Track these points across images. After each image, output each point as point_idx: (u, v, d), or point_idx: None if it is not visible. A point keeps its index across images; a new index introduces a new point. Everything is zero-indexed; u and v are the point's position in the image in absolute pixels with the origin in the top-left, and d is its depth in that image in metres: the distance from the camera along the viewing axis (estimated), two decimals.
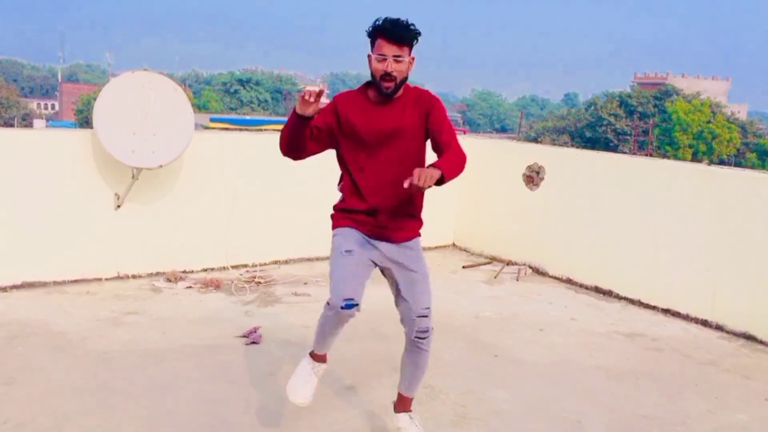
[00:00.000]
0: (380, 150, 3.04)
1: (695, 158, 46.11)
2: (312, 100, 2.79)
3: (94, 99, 5.70)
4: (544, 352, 4.85)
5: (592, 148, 38.21)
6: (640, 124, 51.12)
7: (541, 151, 7.32)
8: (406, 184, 2.66)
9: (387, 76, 2.88)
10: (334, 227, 3.20)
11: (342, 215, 3.17)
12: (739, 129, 51.57)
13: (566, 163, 6.84)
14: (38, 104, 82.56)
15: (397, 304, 3.23)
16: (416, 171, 2.65)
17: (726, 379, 4.59)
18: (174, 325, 4.92)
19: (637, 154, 37.68)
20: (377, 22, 2.89)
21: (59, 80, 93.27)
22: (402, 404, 3.38)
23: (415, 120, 3.04)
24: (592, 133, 52.75)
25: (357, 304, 2.92)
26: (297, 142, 3.00)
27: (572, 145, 46.03)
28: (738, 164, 45.05)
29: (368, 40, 2.97)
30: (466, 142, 7.95)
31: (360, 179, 3.09)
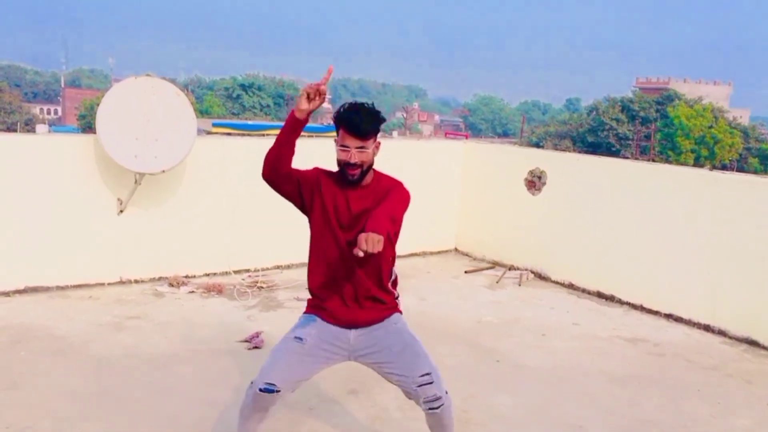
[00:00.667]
0: (344, 234, 2.90)
1: (697, 163, 46.07)
2: (313, 95, 2.77)
3: (97, 104, 5.72)
4: (546, 357, 4.84)
5: (594, 153, 38.24)
6: (642, 129, 51.09)
7: (543, 156, 7.32)
8: (356, 252, 2.46)
9: (351, 165, 2.83)
10: (306, 310, 3.09)
11: (309, 302, 3.07)
12: (741, 134, 51.52)
13: (568, 168, 6.84)
14: (41, 109, 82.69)
15: (397, 384, 2.97)
16: (361, 236, 2.46)
17: (728, 383, 4.59)
18: (176, 330, 4.93)
19: (639, 159, 37.64)
20: (341, 110, 2.83)
21: (62, 85, 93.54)
22: None
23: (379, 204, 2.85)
24: (594, 137, 52.72)
25: (278, 391, 2.82)
26: (283, 153, 2.89)
27: (574, 150, 46.05)
28: (740, 169, 45.04)
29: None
30: (467, 147, 7.99)
31: (322, 260, 2.97)
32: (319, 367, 2.97)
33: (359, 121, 2.81)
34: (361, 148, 2.82)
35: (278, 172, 2.92)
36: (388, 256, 2.95)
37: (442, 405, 2.90)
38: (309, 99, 2.78)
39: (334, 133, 2.91)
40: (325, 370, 3.03)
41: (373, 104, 2.90)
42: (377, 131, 2.88)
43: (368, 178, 2.94)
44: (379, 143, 2.91)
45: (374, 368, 3.01)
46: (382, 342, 2.95)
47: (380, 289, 2.98)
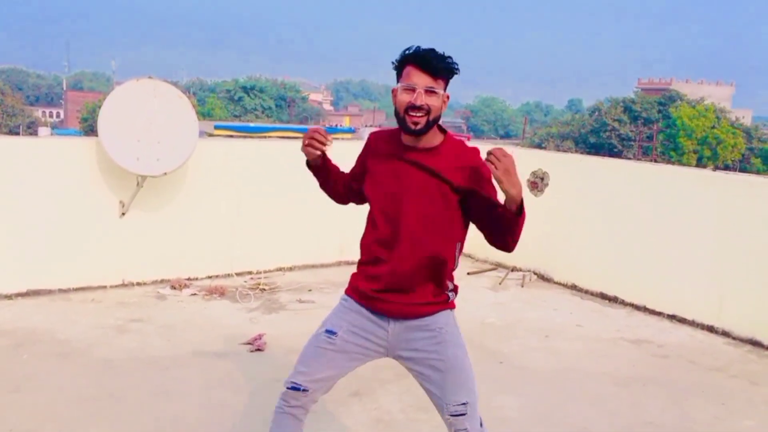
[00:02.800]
0: (403, 202, 2.47)
1: (700, 164, 46.04)
2: (315, 145, 2.50)
3: (99, 107, 5.72)
4: (549, 359, 4.83)
5: (597, 153, 38.24)
6: (645, 129, 51.06)
7: (546, 157, 7.32)
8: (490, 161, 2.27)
9: (415, 108, 2.37)
10: (345, 292, 2.69)
11: (354, 275, 2.66)
12: (743, 134, 51.46)
13: (571, 168, 6.82)
14: (43, 112, 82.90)
15: (432, 401, 2.62)
16: (499, 154, 2.26)
17: (733, 385, 4.57)
18: (179, 333, 4.92)
19: (641, 160, 37.64)
20: (407, 51, 2.42)
21: (64, 88, 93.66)
22: None
23: (455, 178, 2.46)
24: (596, 138, 52.67)
25: (305, 390, 2.56)
26: (329, 187, 2.71)
27: (576, 151, 46.02)
28: (743, 169, 44.95)
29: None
30: None
31: (373, 231, 2.56)
32: (354, 364, 2.62)
33: (434, 56, 2.38)
34: (431, 89, 2.38)
35: (346, 197, 2.76)
36: (456, 241, 2.58)
37: None
38: (313, 147, 2.51)
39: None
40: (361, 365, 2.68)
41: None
42: (450, 76, 2.43)
43: (435, 137, 2.48)
44: (448, 96, 2.46)
45: (416, 378, 2.63)
46: (424, 352, 2.54)
47: (436, 285, 2.58)
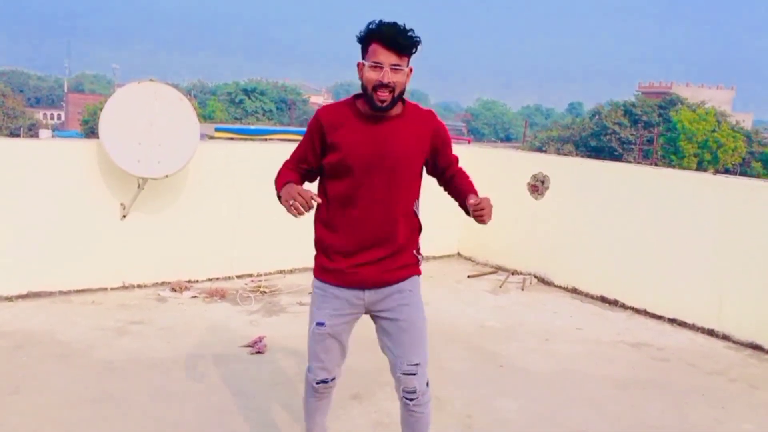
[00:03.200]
0: (369, 177, 2.60)
1: (700, 167, 46.01)
2: (299, 210, 2.49)
3: (100, 109, 5.73)
4: (549, 362, 4.83)
5: (597, 157, 38.21)
6: (645, 133, 51.06)
7: (546, 161, 7.31)
8: (470, 203, 2.59)
9: (383, 86, 2.47)
10: (314, 275, 2.84)
11: (318, 262, 2.81)
12: (744, 138, 51.43)
13: (571, 172, 6.83)
14: (44, 114, 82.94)
15: (383, 351, 2.86)
16: (486, 205, 2.59)
17: (733, 388, 4.57)
18: (179, 335, 4.93)
19: (641, 163, 37.67)
20: (371, 26, 2.48)
21: (65, 90, 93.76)
22: None
23: (417, 143, 2.66)
24: (597, 142, 52.68)
25: (333, 379, 2.87)
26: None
27: (577, 155, 46.00)
28: (743, 173, 44.93)
29: (359, 47, 2.55)
30: (470, 151, 7.98)
31: (339, 213, 2.68)
32: (348, 336, 2.84)
33: (398, 34, 2.44)
34: (397, 66, 2.46)
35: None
36: (413, 198, 2.76)
37: (418, 399, 2.77)
38: (296, 210, 2.50)
39: None
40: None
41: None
42: (413, 50, 2.51)
43: (398, 108, 2.61)
44: (411, 69, 2.55)
45: (376, 323, 2.84)
46: (393, 311, 2.74)
47: (406, 242, 2.75)
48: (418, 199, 2.81)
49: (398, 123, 2.62)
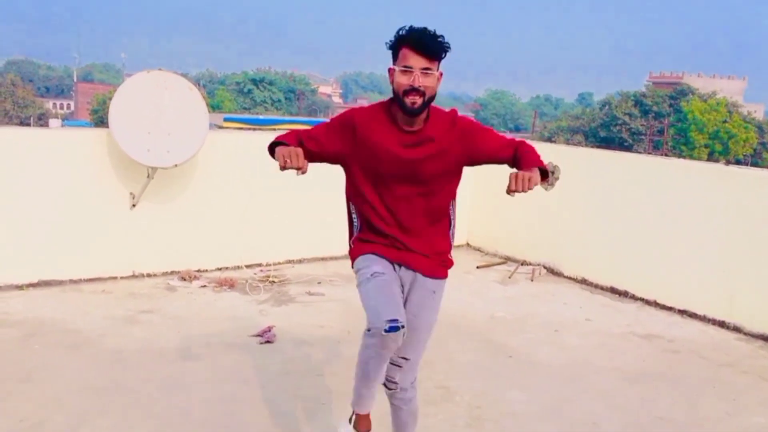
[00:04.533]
0: (403, 183, 2.65)
1: (711, 158, 45.73)
2: (290, 166, 2.49)
3: (110, 99, 5.73)
4: (559, 353, 4.81)
5: (607, 147, 38.01)
6: (655, 123, 50.78)
7: (556, 151, 7.28)
8: (508, 191, 2.53)
9: (413, 90, 2.50)
10: (354, 256, 2.83)
11: (362, 244, 2.81)
12: (755, 129, 51.08)
13: (581, 162, 6.79)
14: (54, 104, 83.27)
15: None
16: (512, 176, 2.49)
17: (744, 380, 4.54)
18: (188, 324, 4.94)
19: (652, 154, 37.45)
20: (401, 32, 2.53)
21: (75, 80, 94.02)
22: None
23: (452, 148, 2.67)
24: (607, 132, 52.43)
25: (403, 326, 2.56)
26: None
27: (586, 145, 45.80)
28: (754, 164, 44.63)
29: (389, 52, 2.61)
30: None
31: (376, 218, 2.73)
32: (400, 290, 2.78)
33: (428, 39, 2.49)
34: (427, 70, 2.50)
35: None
36: (446, 203, 2.79)
37: (395, 391, 2.82)
38: (285, 163, 2.50)
39: None
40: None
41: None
42: (442, 54, 2.55)
43: (428, 112, 2.63)
44: (442, 73, 2.60)
45: None
46: (411, 302, 2.77)
47: (436, 244, 2.81)
48: (454, 199, 2.84)
49: (430, 128, 2.64)
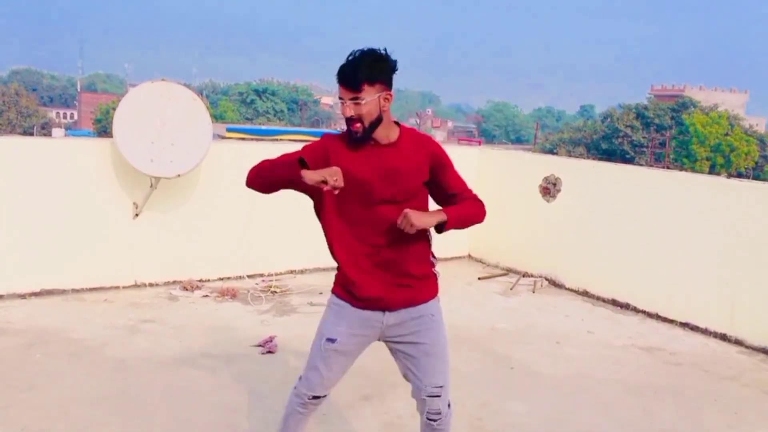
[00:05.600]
0: (371, 203, 2.64)
1: (713, 171, 45.74)
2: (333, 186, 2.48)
3: (113, 108, 5.77)
4: (560, 365, 4.81)
5: (609, 160, 38.03)
6: (657, 136, 50.83)
7: (558, 163, 7.29)
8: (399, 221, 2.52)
9: (349, 119, 2.57)
10: (333, 291, 2.84)
11: (340, 280, 2.79)
12: (757, 142, 51.11)
13: (582, 174, 6.81)
14: (57, 113, 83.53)
15: (405, 377, 2.86)
16: (405, 211, 2.51)
17: (746, 394, 4.53)
18: (190, 334, 4.94)
19: (653, 167, 37.47)
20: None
21: (78, 90, 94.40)
22: None
23: (415, 165, 2.68)
24: (609, 145, 52.49)
25: (324, 396, 2.82)
26: (272, 186, 2.75)
27: (588, 157, 45.83)
28: (756, 177, 44.63)
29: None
30: (482, 153, 7.96)
31: (347, 239, 2.72)
32: (354, 359, 2.84)
33: (348, 69, 2.53)
34: (356, 99, 2.54)
35: (268, 192, 2.81)
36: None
37: (441, 420, 2.83)
38: (323, 182, 2.48)
39: None
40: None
41: (382, 49, 2.57)
42: (375, 79, 2.54)
43: (388, 133, 2.65)
44: (389, 94, 2.60)
45: (395, 352, 2.84)
46: (415, 335, 2.75)
47: (419, 264, 2.75)
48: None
49: (393, 149, 2.66)
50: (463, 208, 2.73)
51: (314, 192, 2.69)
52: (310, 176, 2.50)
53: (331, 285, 2.87)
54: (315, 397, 2.81)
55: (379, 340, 2.82)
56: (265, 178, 2.74)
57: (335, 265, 2.82)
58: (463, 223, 2.71)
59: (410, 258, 2.72)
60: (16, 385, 3.95)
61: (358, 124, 2.57)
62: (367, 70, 2.53)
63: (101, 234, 5.74)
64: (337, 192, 2.53)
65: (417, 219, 2.53)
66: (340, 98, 2.59)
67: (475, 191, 2.85)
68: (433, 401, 2.79)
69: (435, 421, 2.82)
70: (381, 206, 2.64)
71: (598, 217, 6.54)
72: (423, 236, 2.75)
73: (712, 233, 5.66)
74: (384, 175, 2.62)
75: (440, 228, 2.65)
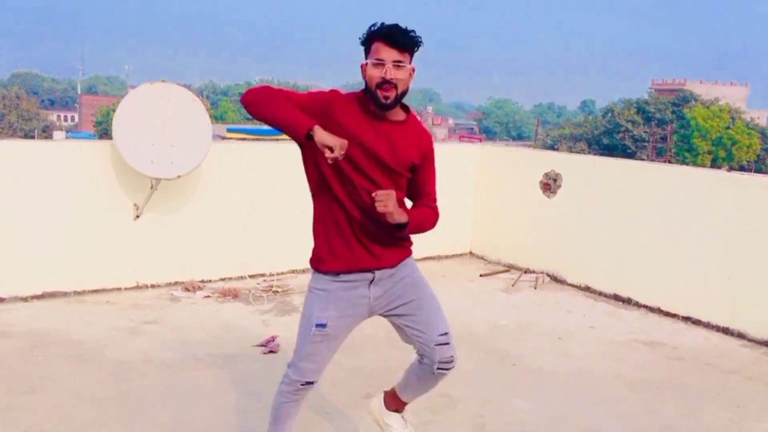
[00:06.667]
0: (366, 167, 2.63)
1: (714, 165, 45.70)
2: (336, 152, 2.49)
3: (113, 110, 5.77)
4: (562, 362, 4.81)
5: (610, 155, 38.02)
6: (658, 130, 50.76)
7: (558, 159, 7.29)
8: (374, 194, 2.54)
9: (386, 83, 2.53)
10: (314, 268, 2.83)
11: (319, 254, 2.81)
12: (759, 135, 51.05)
13: (583, 170, 6.80)
14: (58, 116, 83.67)
15: (406, 341, 2.90)
16: (390, 192, 2.53)
17: (748, 387, 4.53)
18: (192, 335, 4.95)
19: (655, 161, 37.42)
20: (373, 27, 2.58)
21: (79, 92, 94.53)
22: (396, 405, 3.14)
23: (414, 150, 2.73)
24: (610, 140, 52.43)
25: (315, 382, 2.84)
26: (264, 120, 2.64)
27: (589, 152, 45.80)
28: (758, 170, 44.58)
29: (362, 49, 2.67)
30: (482, 150, 7.96)
31: (334, 203, 2.71)
32: (344, 340, 2.86)
33: (399, 30, 2.53)
34: (399, 63, 2.53)
35: (258, 119, 2.68)
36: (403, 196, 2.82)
37: (453, 364, 2.86)
38: (330, 149, 2.49)
39: None
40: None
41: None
42: (414, 48, 2.58)
43: (399, 112, 2.68)
44: (414, 68, 2.62)
45: (391, 320, 2.88)
46: (403, 297, 2.80)
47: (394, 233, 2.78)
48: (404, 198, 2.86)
49: (400, 127, 2.69)
50: (424, 217, 2.78)
51: (309, 147, 2.63)
52: (322, 137, 2.48)
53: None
54: (308, 383, 2.82)
55: (369, 316, 2.85)
56: (263, 113, 2.62)
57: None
58: (417, 230, 2.74)
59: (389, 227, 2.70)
60: (17, 388, 3.96)
61: (392, 90, 2.55)
62: (414, 37, 2.56)
63: (102, 236, 5.74)
64: (330, 162, 2.52)
65: (393, 206, 2.55)
66: (379, 60, 2.53)
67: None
68: (443, 349, 2.81)
69: (448, 369, 2.85)
70: (372, 168, 2.64)
71: (599, 212, 6.53)
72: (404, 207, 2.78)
73: (714, 227, 5.65)
74: (388, 148, 2.64)
75: (399, 228, 2.67)
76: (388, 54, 2.52)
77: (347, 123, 2.60)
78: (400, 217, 2.62)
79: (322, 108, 2.63)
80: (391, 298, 2.80)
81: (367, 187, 2.64)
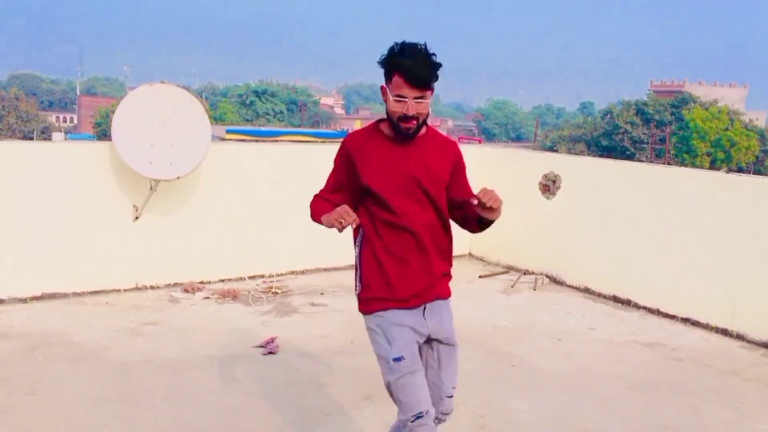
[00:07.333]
0: (402, 197, 2.65)
1: (713, 166, 45.69)
2: (343, 225, 2.53)
3: (113, 112, 5.77)
4: (562, 362, 4.81)
5: (609, 156, 38.01)
6: (657, 132, 50.77)
7: (557, 160, 7.29)
8: (474, 201, 2.56)
9: (408, 118, 2.57)
10: (366, 311, 2.76)
11: (372, 294, 2.73)
12: (757, 136, 51.04)
13: (582, 171, 6.81)
14: (57, 117, 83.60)
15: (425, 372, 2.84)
16: (483, 189, 2.57)
17: (747, 388, 4.53)
18: (192, 336, 4.95)
19: (654, 163, 37.44)
20: (394, 51, 2.54)
21: (77, 93, 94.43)
22: None
23: (442, 165, 2.74)
24: (609, 141, 52.45)
25: (428, 412, 2.68)
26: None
27: (588, 154, 45.82)
28: (757, 172, 44.60)
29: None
30: (481, 151, 7.96)
31: (386, 235, 2.70)
32: (422, 361, 2.80)
33: (421, 70, 2.51)
34: (420, 99, 2.55)
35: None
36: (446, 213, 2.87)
37: (449, 416, 2.95)
38: (340, 225, 2.54)
39: None
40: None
41: (425, 45, 2.56)
42: (436, 81, 2.61)
43: (421, 131, 2.71)
44: (432, 90, 2.63)
45: (432, 355, 2.85)
46: (448, 336, 2.86)
47: (442, 262, 2.87)
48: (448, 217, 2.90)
49: (422, 144, 2.70)
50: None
51: (356, 192, 2.73)
52: (328, 222, 2.59)
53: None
54: (425, 413, 2.68)
55: (425, 343, 2.83)
56: (316, 222, 2.76)
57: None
58: (498, 214, 2.78)
59: (438, 254, 2.82)
60: (18, 389, 3.96)
61: (414, 122, 2.60)
62: (434, 71, 2.57)
63: (102, 237, 5.74)
64: (354, 226, 2.60)
65: (494, 198, 2.60)
66: (400, 96, 2.54)
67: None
68: (449, 402, 2.89)
69: (444, 420, 2.93)
70: (409, 196, 2.67)
71: (599, 213, 6.54)
72: (449, 233, 2.87)
73: (713, 228, 5.66)
74: (423, 168, 2.67)
75: (488, 223, 2.82)
76: (410, 91, 2.53)
77: (375, 159, 2.66)
78: (499, 200, 2.65)
79: (347, 163, 2.72)
80: (440, 327, 2.84)
81: (415, 216, 2.68)
